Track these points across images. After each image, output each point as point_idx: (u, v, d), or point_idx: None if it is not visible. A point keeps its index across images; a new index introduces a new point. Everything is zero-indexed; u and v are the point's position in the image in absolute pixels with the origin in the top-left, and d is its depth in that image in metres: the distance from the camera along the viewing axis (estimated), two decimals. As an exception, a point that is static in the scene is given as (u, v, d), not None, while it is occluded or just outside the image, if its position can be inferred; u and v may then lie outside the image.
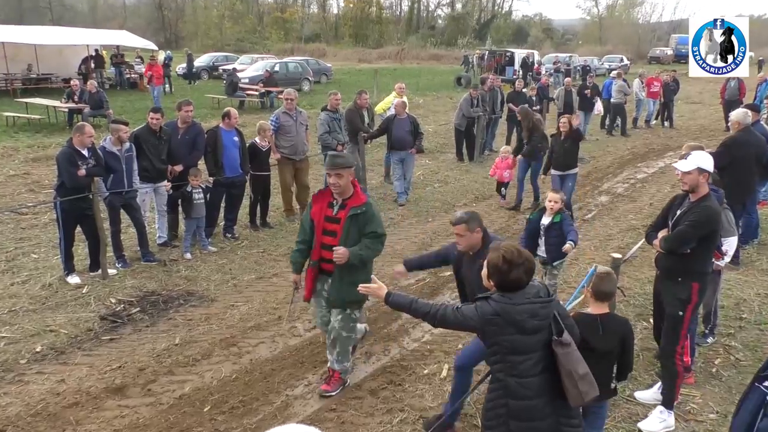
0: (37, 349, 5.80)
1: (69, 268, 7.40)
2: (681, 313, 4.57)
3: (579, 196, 11.57)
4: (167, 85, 28.46)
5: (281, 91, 12.75)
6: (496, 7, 74.86)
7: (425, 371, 5.48)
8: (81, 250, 7.86)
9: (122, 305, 6.76)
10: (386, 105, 12.85)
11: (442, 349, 5.84)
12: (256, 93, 23.28)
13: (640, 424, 4.61)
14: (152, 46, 31.27)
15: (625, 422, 4.72)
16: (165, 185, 8.21)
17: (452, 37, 64.68)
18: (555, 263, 6.21)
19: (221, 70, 32.05)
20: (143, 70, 29.64)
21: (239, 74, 25.89)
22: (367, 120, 11.24)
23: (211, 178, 8.48)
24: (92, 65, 27.21)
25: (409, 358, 5.73)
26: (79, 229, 7.43)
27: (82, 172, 7.07)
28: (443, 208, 10.74)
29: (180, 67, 33.60)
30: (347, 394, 5.13)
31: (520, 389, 3.15)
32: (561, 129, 9.42)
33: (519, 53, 37.08)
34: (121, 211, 7.78)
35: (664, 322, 4.78)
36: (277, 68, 28.30)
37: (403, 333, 6.25)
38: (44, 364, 5.60)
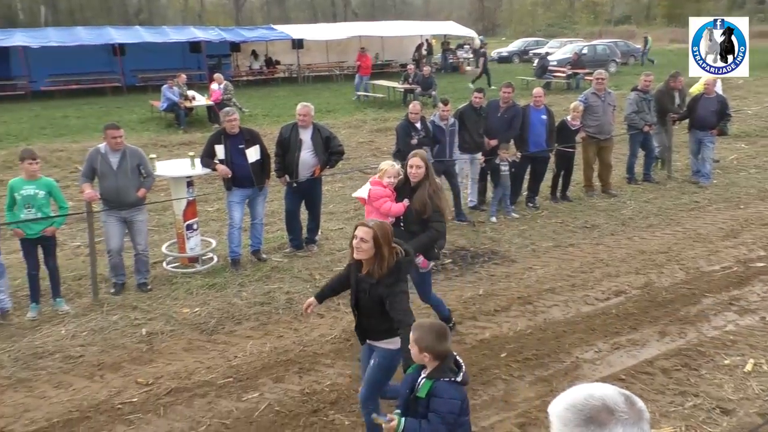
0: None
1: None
2: None
3: None
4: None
5: (588, 73, 12.06)
6: None
7: (726, 361, 4.78)
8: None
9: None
10: (701, 87, 11.26)
11: (748, 342, 5.02)
12: (563, 75, 22.61)
13: None
14: (473, 34, 32.23)
15: None
16: (479, 157, 8.47)
17: (785, 11, 53.65)
18: None
19: (531, 54, 31.68)
20: (464, 55, 30.86)
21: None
22: (677, 101, 10.03)
23: (519, 153, 8.49)
24: (424, 52, 29.14)
25: (707, 344, 5.05)
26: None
27: (414, 141, 7.69)
28: (758, 195, 9.12)
29: (494, 52, 34.06)
30: (637, 368, 4.75)
31: None
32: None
33: None
34: (442, 177, 8.27)
35: None
36: (585, 51, 26.83)
37: (702, 318, 5.53)
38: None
